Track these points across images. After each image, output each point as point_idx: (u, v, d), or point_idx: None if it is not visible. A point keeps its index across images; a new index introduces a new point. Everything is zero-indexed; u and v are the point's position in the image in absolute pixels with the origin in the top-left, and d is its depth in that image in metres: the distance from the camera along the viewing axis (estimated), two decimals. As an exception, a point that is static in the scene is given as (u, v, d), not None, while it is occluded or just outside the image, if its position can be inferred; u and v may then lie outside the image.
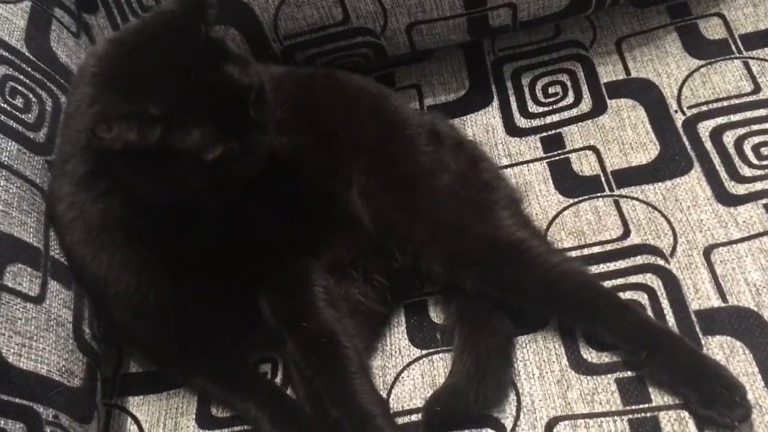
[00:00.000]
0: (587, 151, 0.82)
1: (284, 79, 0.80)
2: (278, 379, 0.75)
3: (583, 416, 0.64)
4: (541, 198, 0.80)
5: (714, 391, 0.60)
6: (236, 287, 0.71)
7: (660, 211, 0.75)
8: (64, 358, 0.66)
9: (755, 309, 0.66)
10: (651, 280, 0.70)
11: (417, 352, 0.73)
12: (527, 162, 0.84)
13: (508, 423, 0.66)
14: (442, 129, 0.80)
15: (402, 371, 0.72)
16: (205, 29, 0.61)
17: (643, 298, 0.69)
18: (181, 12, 0.61)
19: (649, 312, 0.68)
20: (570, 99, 0.88)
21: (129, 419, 0.77)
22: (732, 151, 0.77)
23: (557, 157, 0.83)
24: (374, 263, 0.74)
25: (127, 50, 0.62)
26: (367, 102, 0.80)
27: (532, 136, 0.86)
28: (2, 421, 0.58)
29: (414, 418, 0.69)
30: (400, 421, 0.69)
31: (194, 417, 0.75)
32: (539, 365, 0.68)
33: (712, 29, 0.87)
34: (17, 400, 0.60)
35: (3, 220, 0.66)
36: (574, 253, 0.74)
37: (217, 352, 0.76)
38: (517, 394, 0.67)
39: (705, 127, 0.79)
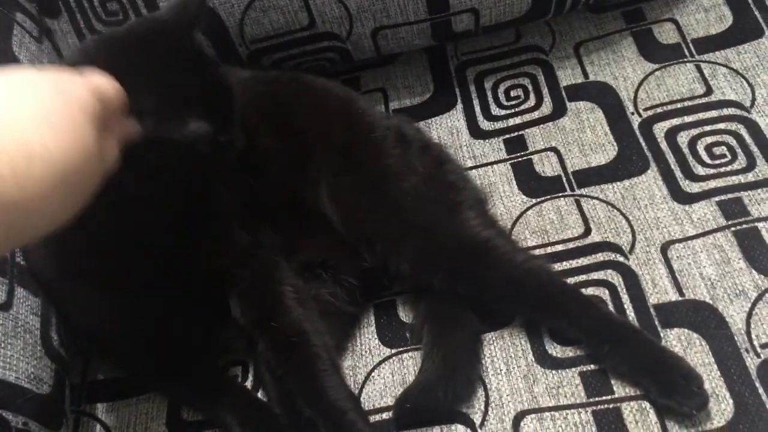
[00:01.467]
0: (549, 152, 0.85)
1: (250, 82, 0.81)
2: (249, 382, 0.76)
3: (549, 409, 0.66)
4: (505, 198, 0.82)
5: (673, 381, 0.63)
6: (204, 289, 0.71)
7: (619, 210, 0.78)
8: (33, 364, 0.66)
9: (710, 302, 0.69)
10: (611, 276, 0.73)
11: (387, 351, 0.75)
12: (491, 163, 0.86)
13: (477, 418, 0.67)
14: (409, 132, 0.81)
15: (372, 370, 0.73)
16: (191, 36, 0.62)
17: (604, 293, 0.72)
18: (172, 19, 0.62)
19: (610, 307, 0.70)
20: (531, 102, 0.90)
21: (98, 426, 0.76)
22: (686, 151, 0.80)
23: (520, 159, 0.85)
24: (343, 264, 0.75)
25: (118, 48, 0.61)
26: (334, 104, 0.81)
27: (496, 138, 0.88)
28: (-30, 430, 0.58)
29: (385, 416, 0.70)
30: (371, 419, 0.69)
31: (164, 421, 0.75)
32: (506, 361, 0.70)
33: (665, 34, 0.91)
34: (-15, 408, 0.59)
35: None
36: (537, 252, 0.76)
37: (186, 356, 0.76)
38: (485, 390, 0.69)
39: (660, 128, 0.82)
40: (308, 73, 0.89)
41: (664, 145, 0.81)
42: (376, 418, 0.70)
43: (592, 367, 0.67)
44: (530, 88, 0.91)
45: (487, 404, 0.68)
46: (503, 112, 0.90)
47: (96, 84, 0.49)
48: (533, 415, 0.66)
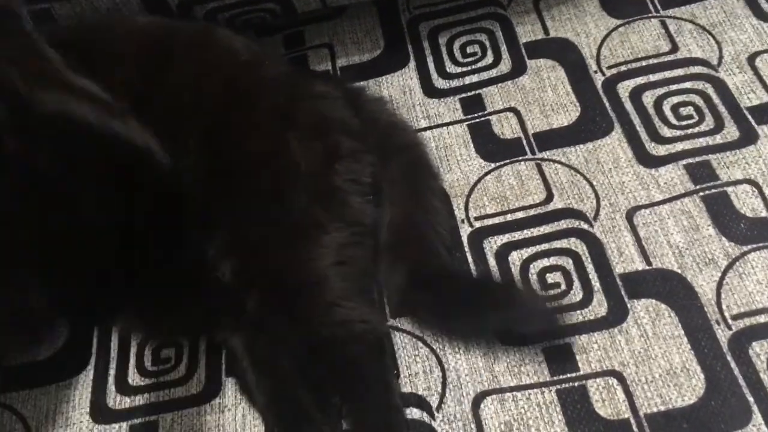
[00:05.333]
0: (508, 113, 0.79)
1: (147, 29, 0.73)
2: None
3: (511, 389, 0.62)
4: (462, 163, 0.76)
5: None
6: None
7: (582, 174, 0.73)
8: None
9: (679, 271, 0.65)
10: (575, 244, 0.68)
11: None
12: (447, 124, 0.80)
13: (434, 401, 0.62)
14: (305, 109, 0.70)
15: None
16: None
17: (568, 263, 0.67)
18: None
19: (574, 277, 0.66)
20: (489, 59, 0.84)
21: (13, 417, 0.68)
22: (652, 111, 0.75)
23: (478, 120, 0.79)
24: None
25: None
26: (228, 67, 0.71)
27: (451, 98, 0.82)
28: None
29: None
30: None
31: (88, 410, 0.68)
32: (464, 339, 0.65)
33: (629, -13, 0.86)
34: None
35: None
36: (497, 219, 0.71)
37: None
38: (442, 370, 0.64)
39: (624, 88, 0.78)
40: (247, 27, 0.81)
41: (628, 106, 0.76)
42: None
43: (557, 342, 0.63)
44: (488, 44, 0.85)
45: (444, 386, 0.63)
46: (459, 70, 0.84)
47: None
48: (494, 396, 0.61)
